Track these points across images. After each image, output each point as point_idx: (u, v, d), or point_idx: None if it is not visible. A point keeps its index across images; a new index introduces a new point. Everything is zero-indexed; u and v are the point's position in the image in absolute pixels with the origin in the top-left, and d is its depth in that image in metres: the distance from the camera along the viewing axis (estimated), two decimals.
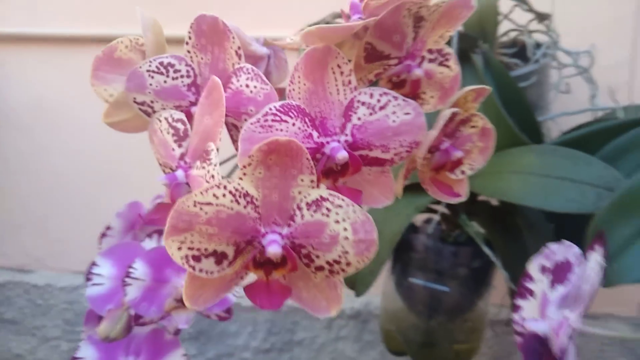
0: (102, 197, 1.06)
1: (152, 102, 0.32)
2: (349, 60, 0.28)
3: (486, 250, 0.67)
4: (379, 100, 0.28)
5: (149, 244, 0.57)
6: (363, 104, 0.28)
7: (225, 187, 0.24)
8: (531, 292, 0.32)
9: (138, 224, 0.63)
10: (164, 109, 0.31)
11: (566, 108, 0.80)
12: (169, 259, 0.52)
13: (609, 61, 0.81)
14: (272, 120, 0.26)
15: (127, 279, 0.49)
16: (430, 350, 0.72)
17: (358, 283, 0.73)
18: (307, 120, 0.27)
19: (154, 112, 0.32)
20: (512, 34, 0.84)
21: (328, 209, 0.25)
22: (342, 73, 0.28)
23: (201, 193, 0.24)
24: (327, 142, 0.27)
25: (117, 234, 0.60)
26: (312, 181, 0.26)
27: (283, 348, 1.10)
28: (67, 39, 1.03)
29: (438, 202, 0.72)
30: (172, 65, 0.31)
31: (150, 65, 0.31)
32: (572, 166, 0.60)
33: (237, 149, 0.33)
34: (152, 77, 0.31)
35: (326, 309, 0.27)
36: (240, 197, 0.25)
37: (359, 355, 1.08)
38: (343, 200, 0.25)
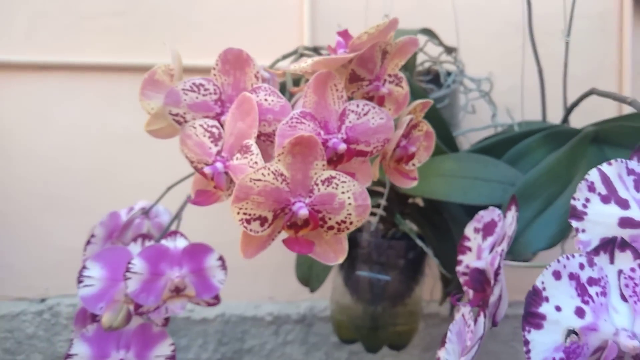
0: (41, 222, 1.07)
1: (184, 113, 0.41)
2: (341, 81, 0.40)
3: (419, 242, 0.80)
4: (363, 109, 0.40)
5: (134, 248, 0.63)
6: (352, 111, 0.40)
7: (269, 169, 0.34)
8: (469, 249, 0.45)
9: (115, 232, 0.69)
10: (194, 119, 0.40)
11: (473, 125, 0.97)
12: (163, 255, 0.59)
13: (505, 86, 0.99)
14: (296, 122, 0.36)
15: (127, 274, 0.55)
16: (377, 333, 0.83)
17: (312, 279, 0.83)
18: (316, 122, 0.38)
19: (186, 121, 0.41)
20: (427, 64, 0.99)
21: (336, 184, 0.36)
22: (337, 90, 0.39)
23: (254, 172, 0.34)
24: (330, 139, 0.38)
25: (99, 241, 0.66)
26: (323, 165, 0.36)
27: (233, 357, 1.15)
28: None
29: (377, 206, 0.85)
30: (203, 85, 0.40)
31: (185, 85, 0.40)
32: (483, 168, 0.74)
33: None
34: (186, 94, 0.40)
35: (334, 258, 0.38)
36: (278, 175, 0.35)
37: (306, 357, 1.16)
38: (346, 177, 0.36)
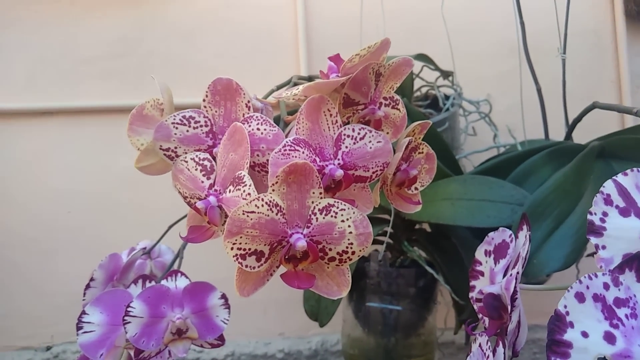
0: (44, 267, 1.06)
1: (175, 148, 0.39)
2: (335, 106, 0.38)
3: (429, 269, 0.77)
4: (359, 133, 0.38)
5: (135, 289, 0.61)
6: (348, 136, 0.38)
7: (262, 199, 0.32)
8: (482, 273, 0.43)
9: (116, 274, 0.67)
10: (186, 152, 0.39)
11: (475, 147, 0.95)
12: (164, 296, 0.57)
13: (504, 106, 0.98)
14: (289, 150, 0.35)
15: (126, 318, 0.53)
16: None
17: (321, 313, 0.80)
18: (311, 149, 0.36)
19: (177, 156, 0.39)
20: (424, 89, 0.99)
21: (335, 212, 0.34)
22: (331, 115, 0.38)
23: (247, 204, 0.32)
24: (327, 165, 0.37)
25: (99, 284, 0.64)
26: (320, 193, 0.35)
27: None
28: None
29: (383, 234, 0.83)
30: (193, 118, 0.39)
31: (174, 119, 0.39)
32: (489, 190, 0.73)
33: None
34: (177, 128, 0.39)
35: (338, 292, 0.35)
36: (272, 206, 0.33)
37: None
38: (345, 204, 0.35)
